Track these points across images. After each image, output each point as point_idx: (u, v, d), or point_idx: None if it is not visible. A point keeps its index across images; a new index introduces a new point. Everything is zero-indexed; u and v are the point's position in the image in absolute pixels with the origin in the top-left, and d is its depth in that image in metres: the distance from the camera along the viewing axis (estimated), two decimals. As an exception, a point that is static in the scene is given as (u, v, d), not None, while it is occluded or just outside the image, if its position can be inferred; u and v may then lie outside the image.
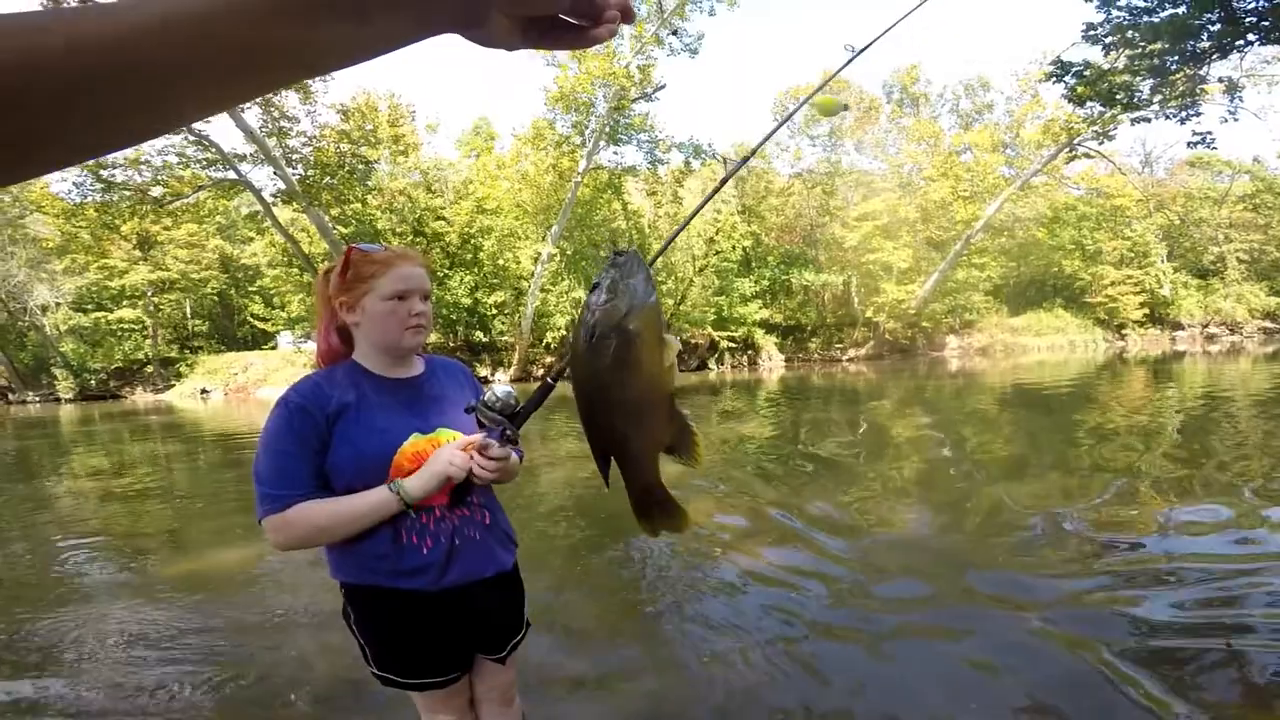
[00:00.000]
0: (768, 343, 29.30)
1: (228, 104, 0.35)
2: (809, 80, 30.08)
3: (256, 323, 27.77)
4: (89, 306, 26.31)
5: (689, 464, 0.84)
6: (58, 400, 24.90)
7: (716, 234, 27.65)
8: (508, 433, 1.21)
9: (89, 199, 19.78)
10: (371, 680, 1.38)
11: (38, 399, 25.25)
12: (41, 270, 26.23)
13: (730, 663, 2.39)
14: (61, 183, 22.11)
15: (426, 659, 1.39)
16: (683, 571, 3.40)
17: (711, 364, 28.08)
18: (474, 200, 24.74)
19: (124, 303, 26.22)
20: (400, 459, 1.26)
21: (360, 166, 21.41)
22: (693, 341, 28.98)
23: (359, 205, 22.00)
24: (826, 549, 3.64)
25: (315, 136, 20.32)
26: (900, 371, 20.67)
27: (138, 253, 25.98)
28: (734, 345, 28.29)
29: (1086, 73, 12.05)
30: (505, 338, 24.14)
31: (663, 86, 22.99)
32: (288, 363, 24.77)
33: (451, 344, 23.47)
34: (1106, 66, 12.16)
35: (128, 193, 19.15)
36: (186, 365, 26.53)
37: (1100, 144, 24.70)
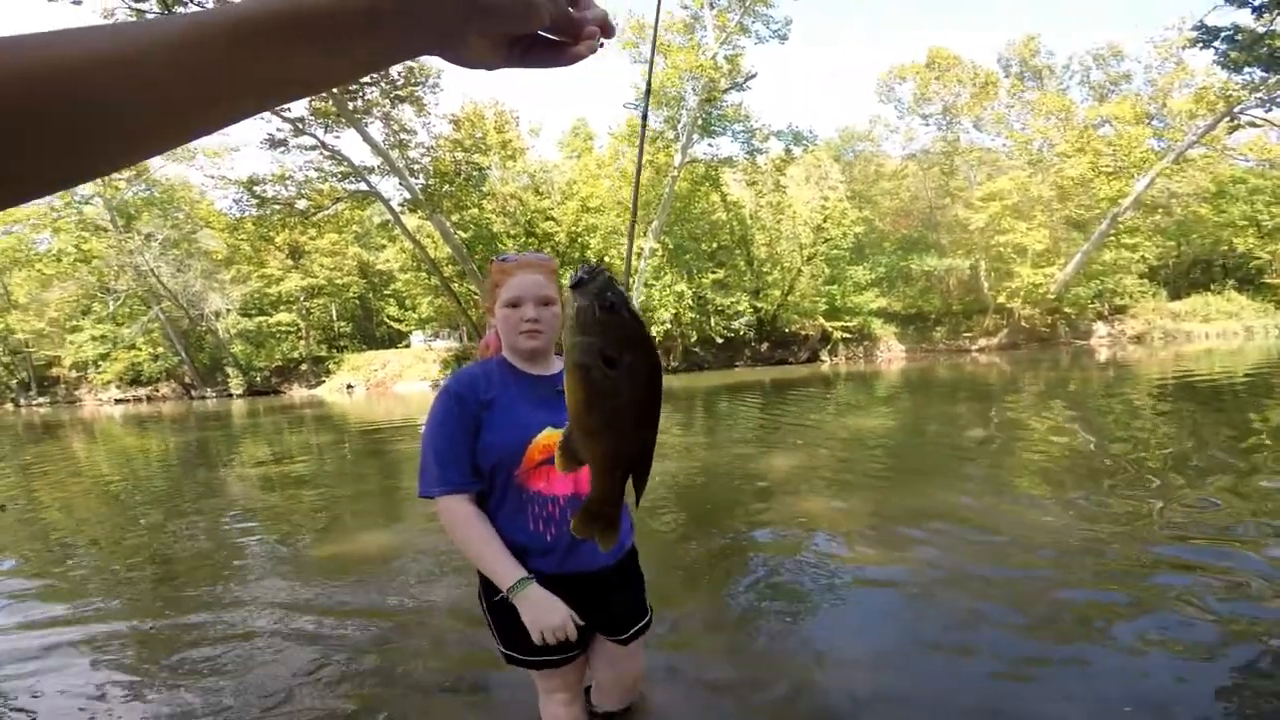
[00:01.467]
0: (886, 332, 27.79)
1: (194, 135, 0.34)
2: (913, 58, 28.15)
3: (392, 323, 30.33)
4: (253, 311, 29.83)
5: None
6: (230, 395, 28.39)
7: (825, 221, 26.53)
8: None
9: (246, 213, 22.51)
10: (495, 668, 1.46)
11: (214, 394, 28.96)
12: (213, 280, 29.91)
13: (844, 667, 2.27)
14: (224, 200, 25.55)
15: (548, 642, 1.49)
16: (794, 574, 3.26)
17: (824, 355, 27.08)
18: (578, 200, 25.42)
19: (281, 307, 29.51)
20: (532, 450, 1.40)
21: (474, 173, 22.76)
22: (802, 333, 28.08)
23: (476, 210, 23.42)
24: (945, 554, 3.37)
25: (432, 147, 21.82)
26: (1039, 362, 18.82)
27: (290, 261, 29.04)
28: (848, 336, 27.10)
29: (1239, 37, 10.35)
30: (610, 333, 24.60)
31: (753, 75, 22.44)
32: (419, 360, 26.79)
33: None
34: (1262, 30, 10.35)
35: (277, 207, 21.59)
36: (334, 363, 29.40)
37: (1268, 110, 21.39)
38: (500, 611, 1.43)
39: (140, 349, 30.16)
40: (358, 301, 32.08)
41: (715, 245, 27.28)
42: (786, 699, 2.17)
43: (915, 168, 29.92)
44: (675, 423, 9.54)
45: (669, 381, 20.32)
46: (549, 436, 1.40)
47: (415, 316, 28.16)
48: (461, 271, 23.29)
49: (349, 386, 26.72)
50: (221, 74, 0.32)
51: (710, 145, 24.36)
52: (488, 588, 1.46)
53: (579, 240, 24.89)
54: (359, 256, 31.13)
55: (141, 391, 30.31)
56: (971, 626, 2.59)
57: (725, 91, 22.35)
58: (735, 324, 26.90)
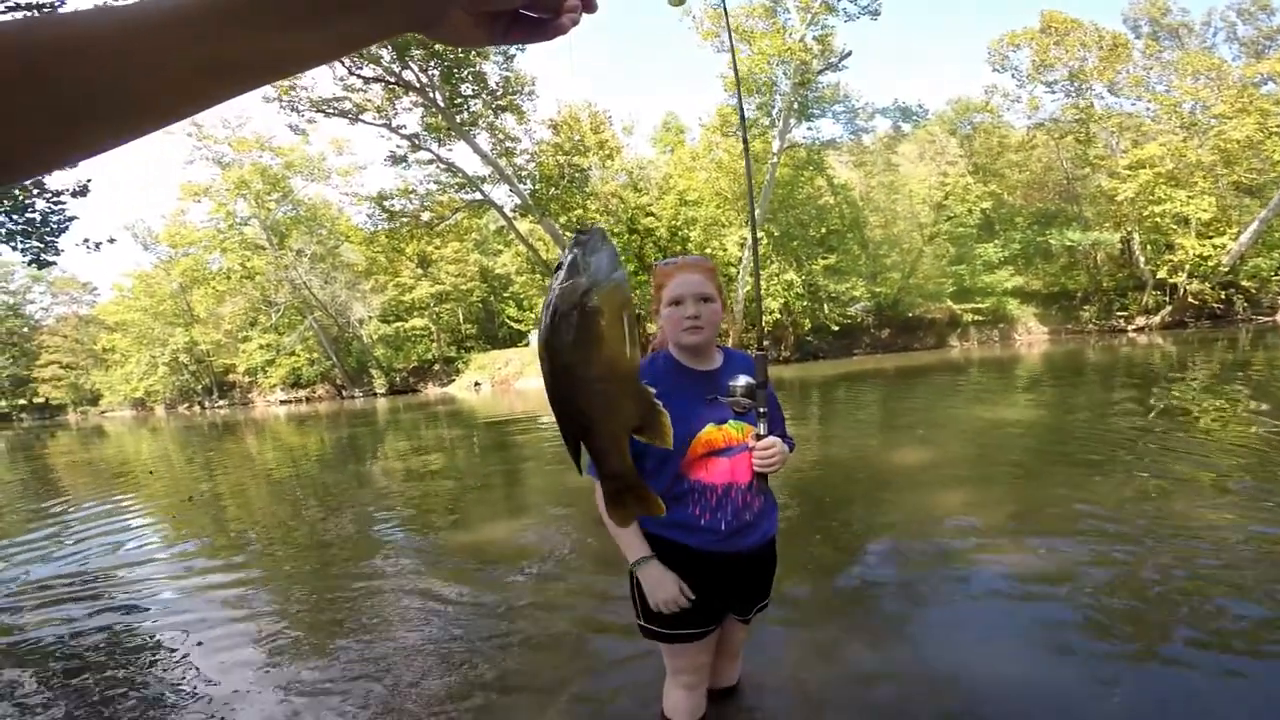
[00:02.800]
0: (1024, 313, 25.42)
1: (183, 114, 0.35)
2: (1027, 24, 25.34)
3: (511, 323, 31.99)
4: (390, 318, 32.49)
5: (658, 443, 0.84)
6: (375, 394, 31.14)
7: (946, 198, 24.67)
8: (761, 411, 1.49)
9: (379, 227, 24.66)
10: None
11: (361, 394, 31.95)
12: (356, 290, 32.84)
13: (962, 674, 2.08)
14: (358, 215, 28.17)
15: (684, 611, 1.57)
16: (917, 572, 3.04)
17: (953, 340, 25.25)
18: (676, 194, 25.41)
19: (414, 313, 31.96)
20: (695, 445, 1.50)
21: (576, 175, 23.50)
22: (928, 317, 26.34)
23: (581, 211, 24.06)
24: (1090, 556, 3.00)
25: (535, 152, 22.78)
26: (1212, 342, 16.38)
27: (419, 270, 31.44)
28: (980, 319, 25.08)
29: None
30: (721, 326, 24.44)
31: (848, 54, 21.31)
32: (537, 358, 28.26)
33: None
34: None
35: (405, 219, 23.50)
36: (462, 363, 31.54)
37: None
38: (641, 586, 1.56)
39: (299, 355, 33.85)
40: (480, 305, 34.06)
41: (824, 230, 26.19)
42: (895, 707, 2.04)
43: (1045, 137, 26.98)
44: (789, 415, 9.27)
45: (781, 371, 20.07)
46: (709, 433, 1.50)
47: (533, 317, 29.46)
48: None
49: (476, 384, 28.50)
50: (209, 53, 0.32)
51: (810, 129, 23.52)
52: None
53: (679, 234, 24.88)
54: (479, 262, 32.99)
55: (301, 393, 34.03)
56: (1111, 636, 2.31)
57: (819, 73, 21.48)
58: (851, 310, 25.73)
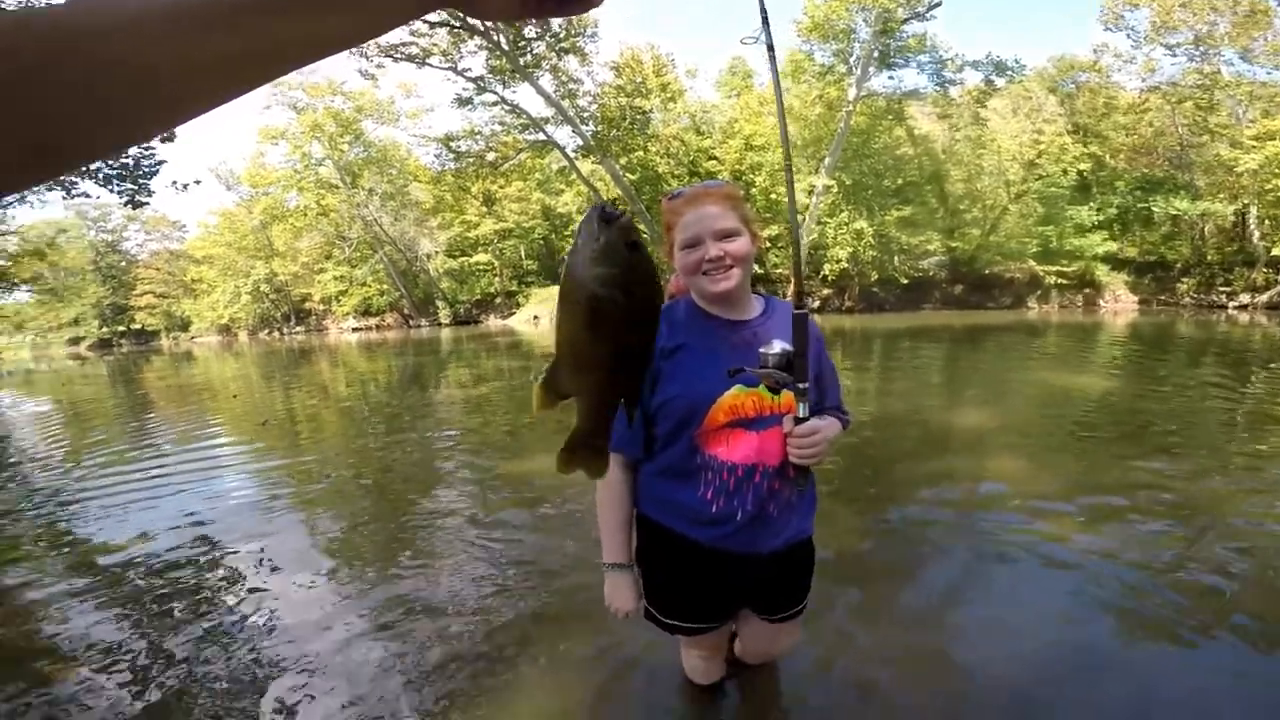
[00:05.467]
0: (1114, 280, 23.69)
1: (220, 100, 0.34)
2: None
3: None
4: (456, 253, 33.58)
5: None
6: (439, 325, 32.45)
7: (1038, 156, 22.86)
8: (800, 387, 1.16)
9: (446, 167, 25.23)
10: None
11: (427, 324, 33.34)
12: (424, 227, 34.05)
13: (1001, 657, 2.04)
14: (426, 155, 29.02)
15: (683, 606, 1.43)
16: (965, 543, 2.96)
17: (1031, 302, 23.91)
18: (741, 139, 24.61)
19: (478, 249, 32.85)
20: (716, 410, 1.22)
21: (638, 117, 23.35)
22: (1006, 276, 24.95)
23: (642, 153, 23.96)
24: (1158, 539, 2.85)
25: (597, 94, 22.57)
26: (1328, 320, 14.86)
27: (484, 208, 32.08)
28: (1064, 282, 23.56)
29: None
30: (779, 270, 23.85)
31: (938, 4, 19.60)
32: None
33: None
34: None
35: (470, 159, 23.97)
36: (523, 297, 32.55)
37: None
38: (644, 561, 1.41)
39: (369, 286, 35.54)
40: (542, 242, 34.53)
41: (900, 181, 24.88)
42: (930, 698, 2.00)
43: (1159, 101, 24.29)
44: (847, 366, 9.06)
45: (843, 321, 19.52)
46: (736, 396, 1.22)
47: None
48: (632, 212, 24.17)
49: (535, 317, 29.22)
50: (255, 36, 0.32)
51: (891, 78, 22.11)
52: (640, 534, 1.42)
53: (744, 178, 24.13)
54: (541, 201, 33.23)
55: (371, 321, 35.75)
56: (1173, 628, 2.20)
57: (904, 22, 19.95)
58: (923, 264, 24.60)
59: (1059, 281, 23.62)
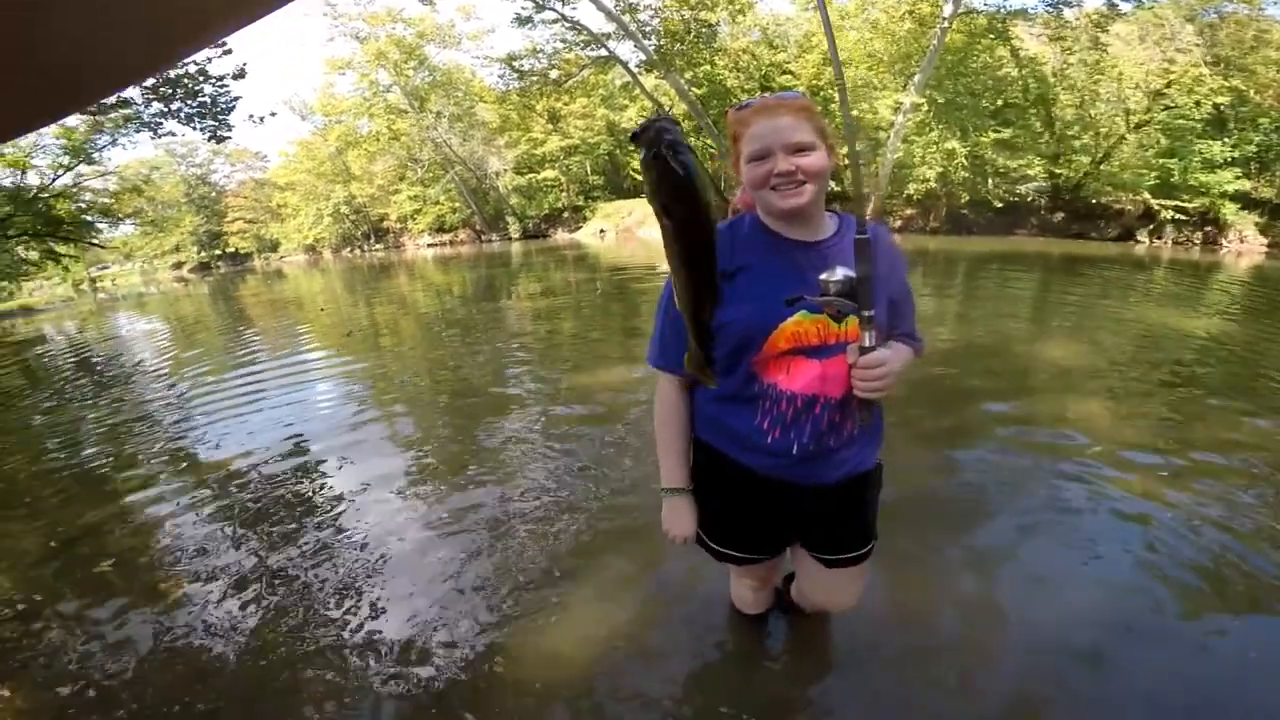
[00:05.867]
0: (1243, 220, 21.11)
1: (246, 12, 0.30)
2: None
3: (636, 175, 32.51)
4: (524, 170, 33.95)
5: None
6: (509, 239, 33.24)
7: (1168, 86, 20.14)
8: (865, 315, 1.08)
9: (510, 87, 25.16)
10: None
11: (498, 239, 34.24)
12: (491, 146, 34.41)
13: (1052, 607, 2.00)
14: (490, 76, 29.64)
15: (736, 534, 1.40)
16: (1033, 487, 2.83)
17: (1141, 235, 21.76)
18: (819, 53, 22.82)
19: (545, 166, 33.07)
20: (778, 336, 1.14)
21: (703, 30, 22.04)
22: (1115, 207, 22.73)
23: (708, 66, 22.79)
24: (1254, 502, 2.62)
25: (659, 8, 21.37)
26: None
27: (550, 126, 31.95)
28: (1183, 218, 21.21)
29: None
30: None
31: None
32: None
33: None
34: None
35: (534, 78, 23.65)
36: (589, 211, 32.78)
37: None
38: (699, 485, 1.38)
39: (442, 204, 36.74)
40: (607, 158, 34.46)
41: (1000, 103, 22.60)
42: (974, 652, 1.98)
43: None
44: (926, 291, 8.58)
45: (926, 242, 18.53)
46: (800, 323, 1.13)
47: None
48: (698, 126, 23.19)
49: (601, 231, 29.37)
50: None
51: None
52: (696, 456, 1.38)
53: (821, 94, 22.49)
54: (606, 117, 32.77)
55: (445, 237, 37.05)
56: (1248, 598, 2.05)
57: None
58: (1021, 189, 22.66)
59: (1176, 217, 21.31)
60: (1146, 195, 21.52)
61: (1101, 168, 22.12)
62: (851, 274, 1.09)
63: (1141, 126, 21.22)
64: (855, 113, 21.83)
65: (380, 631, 2.10)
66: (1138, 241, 21.80)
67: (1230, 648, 1.84)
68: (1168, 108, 20.70)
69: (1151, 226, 21.84)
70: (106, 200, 21.10)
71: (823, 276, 1.11)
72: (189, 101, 16.00)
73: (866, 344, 1.10)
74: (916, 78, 20.40)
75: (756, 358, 1.17)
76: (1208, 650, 1.84)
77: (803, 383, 1.17)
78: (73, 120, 17.16)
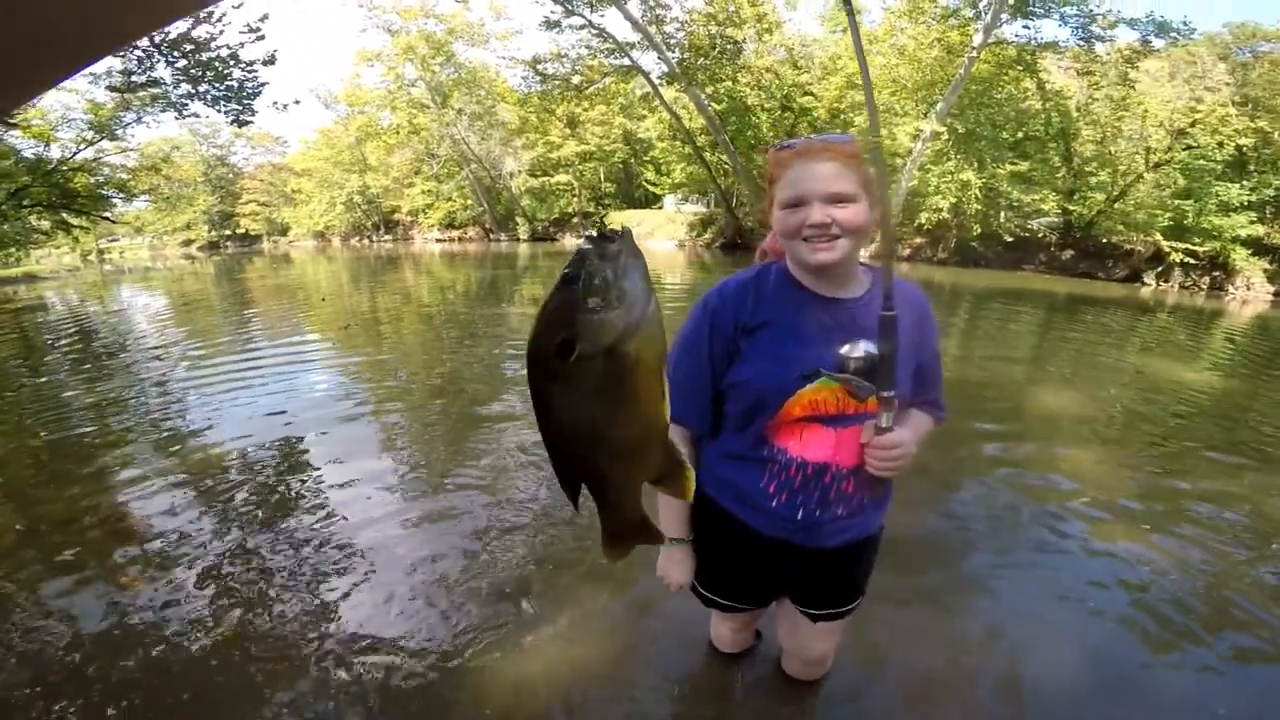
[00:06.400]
0: (1252, 267, 21.09)
1: None
2: None
3: (649, 186, 33.12)
4: (538, 173, 34.13)
5: (676, 496, 0.72)
6: (518, 240, 33.53)
7: (1191, 125, 20.15)
8: (884, 395, 1.02)
9: (532, 89, 25.52)
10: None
11: (506, 238, 34.50)
12: (508, 147, 34.58)
13: (1029, 654, 1.95)
14: (514, 78, 29.66)
15: (729, 585, 1.38)
16: (1018, 535, 2.80)
17: (1148, 278, 21.76)
18: (843, 76, 22.92)
19: (559, 170, 33.31)
20: (794, 403, 1.08)
21: (728, 46, 22.21)
22: (1125, 246, 22.72)
23: (730, 83, 22.84)
24: (1251, 561, 2.57)
25: (686, 21, 21.57)
26: None
27: (567, 130, 32.20)
28: (1192, 262, 21.16)
29: None
30: (869, 215, 22.67)
31: None
32: (670, 220, 28.71)
33: None
34: None
35: (556, 82, 23.83)
36: (599, 218, 32.88)
37: None
38: (697, 543, 1.35)
39: (455, 200, 37.02)
40: (621, 166, 34.94)
41: (1020, 135, 22.61)
42: (946, 689, 1.95)
43: None
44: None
45: (933, 273, 18.54)
46: (818, 390, 1.07)
47: (669, 181, 29.76)
48: (714, 142, 23.32)
49: None
50: None
51: (1027, 27, 19.92)
52: (696, 501, 1.32)
53: (841, 117, 22.59)
54: (623, 126, 33.05)
55: (454, 233, 37.33)
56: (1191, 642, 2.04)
57: None
58: (1033, 224, 22.67)
59: (1185, 260, 21.25)
60: (1158, 236, 21.43)
61: (1116, 205, 22.10)
62: (874, 350, 1.03)
63: (1160, 165, 21.21)
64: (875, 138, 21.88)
65: (348, 632, 2.06)
66: (1144, 284, 21.78)
67: (1203, 699, 1.81)
68: (1189, 147, 20.70)
69: (1160, 269, 21.79)
70: (124, 176, 21.26)
71: (843, 350, 1.05)
72: (217, 84, 16.20)
73: (883, 424, 1.05)
74: (939, 105, 20.45)
75: (770, 422, 1.11)
76: (1181, 700, 1.80)
77: (815, 450, 1.12)
78: (102, 97, 17.44)
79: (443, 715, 1.76)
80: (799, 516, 1.16)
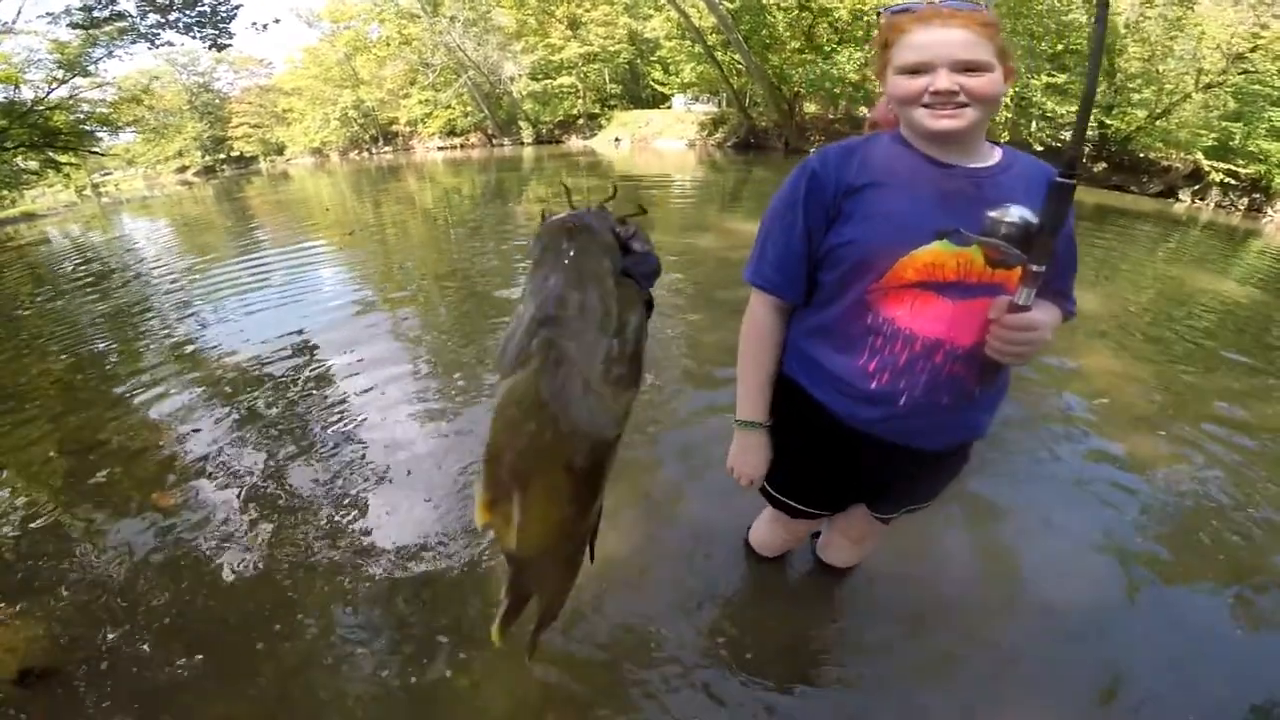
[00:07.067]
0: None
1: None
2: None
3: (656, 86, 31.61)
4: (539, 76, 32.86)
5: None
6: (522, 144, 32.58)
7: (1252, 50, 18.73)
8: (1034, 269, 0.89)
9: None
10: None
11: (510, 143, 33.49)
12: (507, 51, 33.16)
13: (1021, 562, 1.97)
14: None
15: (804, 486, 1.28)
16: (1030, 448, 2.75)
17: (1183, 195, 20.95)
18: None
19: (562, 72, 32.02)
20: (906, 264, 0.96)
21: None
22: (1162, 162, 21.76)
23: None
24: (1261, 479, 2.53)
25: None
26: None
27: (569, 32, 30.65)
28: (1232, 183, 20.28)
29: None
30: (890, 115, 21.62)
31: None
32: (679, 120, 27.83)
33: (832, 115, 22.06)
34: None
35: None
36: (605, 119, 32.23)
37: None
38: (776, 424, 1.22)
39: (454, 108, 35.93)
40: (627, 67, 33.58)
41: (1060, 48, 21.20)
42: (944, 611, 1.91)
43: None
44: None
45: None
46: (937, 253, 0.95)
47: (678, 81, 28.45)
48: (726, 41, 21.86)
49: (617, 139, 28.67)
50: None
51: None
52: (778, 394, 1.21)
53: (864, 18, 21.03)
54: (628, 26, 31.50)
55: (456, 141, 36.35)
56: (1214, 579, 1.99)
57: None
58: (1066, 134, 21.66)
59: (1224, 180, 20.36)
60: (1199, 155, 20.57)
61: (1158, 123, 21.08)
62: (1032, 218, 0.88)
63: (1211, 87, 20.04)
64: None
65: (378, 543, 2.11)
66: (1178, 200, 21.06)
67: (1210, 617, 1.84)
68: (1245, 72, 19.50)
69: (1196, 187, 20.98)
70: (105, 110, 20.55)
71: (993, 214, 0.90)
72: (187, 10, 15.77)
73: (1021, 301, 0.91)
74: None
75: (874, 285, 0.98)
76: (1186, 619, 1.84)
77: (928, 323, 0.98)
78: (65, 34, 16.75)
79: (469, 621, 1.80)
80: (901, 402, 1.03)
